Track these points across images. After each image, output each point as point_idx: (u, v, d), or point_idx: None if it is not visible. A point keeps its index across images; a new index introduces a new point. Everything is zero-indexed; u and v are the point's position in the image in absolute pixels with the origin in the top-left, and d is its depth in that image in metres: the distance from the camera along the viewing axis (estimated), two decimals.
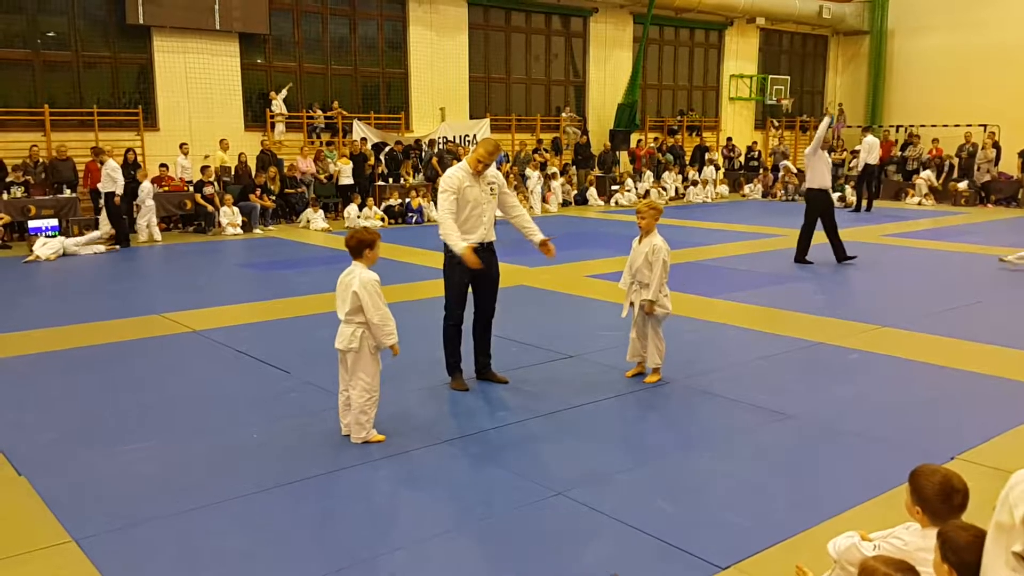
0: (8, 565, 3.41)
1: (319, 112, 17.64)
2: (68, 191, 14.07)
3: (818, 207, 10.87)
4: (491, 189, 5.59)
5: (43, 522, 3.77)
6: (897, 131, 23.98)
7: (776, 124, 25.57)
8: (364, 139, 17.48)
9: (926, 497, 2.62)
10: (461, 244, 5.33)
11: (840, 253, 10.96)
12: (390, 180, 17.23)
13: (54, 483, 4.19)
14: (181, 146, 15.39)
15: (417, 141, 18.36)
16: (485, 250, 5.56)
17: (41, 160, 14.29)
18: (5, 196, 13.46)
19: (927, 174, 20.57)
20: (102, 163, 12.92)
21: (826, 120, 10.74)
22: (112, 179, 12.79)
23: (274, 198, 15.56)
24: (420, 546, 3.57)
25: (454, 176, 5.51)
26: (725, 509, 3.89)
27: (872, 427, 4.97)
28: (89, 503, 3.98)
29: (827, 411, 5.24)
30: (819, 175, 10.81)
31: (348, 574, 3.33)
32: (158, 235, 13.76)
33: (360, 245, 4.69)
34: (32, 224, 13.32)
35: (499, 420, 5.10)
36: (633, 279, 5.80)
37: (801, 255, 11.04)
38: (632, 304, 5.83)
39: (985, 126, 21.57)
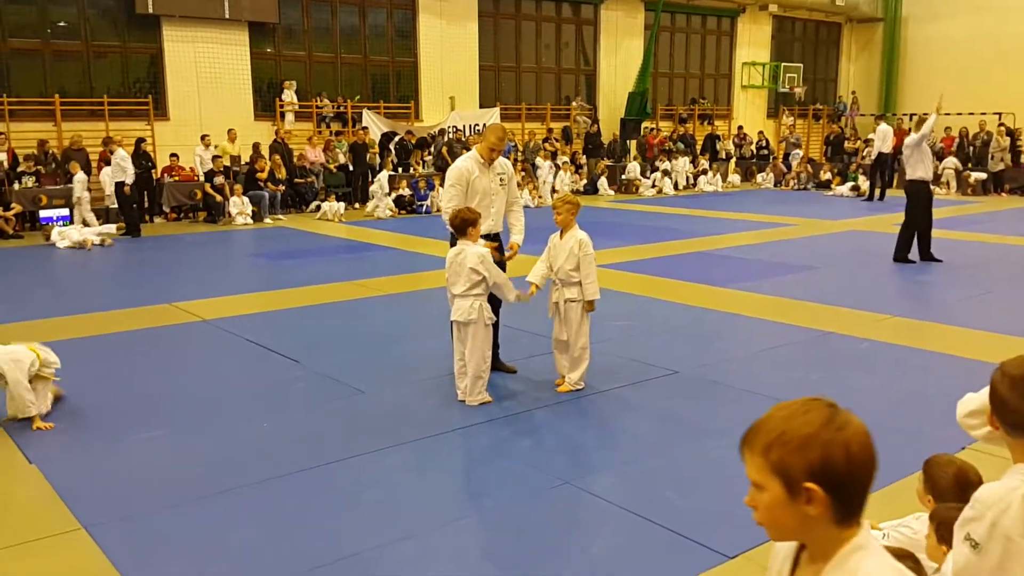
0: (19, 552, 3.44)
1: (327, 101, 17.63)
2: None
3: (920, 200, 10.08)
4: (500, 180, 5.53)
5: (53, 510, 3.79)
6: (911, 119, 23.73)
7: (788, 112, 25.39)
8: (365, 128, 17.45)
9: (940, 488, 2.60)
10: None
11: (925, 249, 10.16)
12: (399, 170, 17.21)
13: (65, 471, 4.21)
14: (203, 138, 15.36)
15: (431, 135, 18.31)
16: (492, 240, 5.54)
17: (52, 151, 14.35)
18: (16, 186, 13.53)
19: (952, 161, 20.29)
20: (112, 152, 12.95)
21: (933, 117, 9.94)
22: (122, 168, 12.82)
23: (282, 186, 15.58)
24: (428, 535, 3.58)
25: (463, 168, 5.44)
26: (734, 499, 3.85)
27: (882, 416, 4.93)
28: (100, 491, 4.00)
29: (838, 400, 5.19)
30: (921, 166, 10.01)
31: (355, 563, 3.34)
32: (95, 229, 12.51)
33: (464, 224, 5.03)
34: (43, 214, 13.39)
35: (507, 409, 5.09)
36: (555, 277, 5.39)
37: (902, 253, 10.09)
38: (556, 304, 5.42)
39: (1000, 114, 21.35)
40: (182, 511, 3.80)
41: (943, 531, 2.35)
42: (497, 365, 5.79)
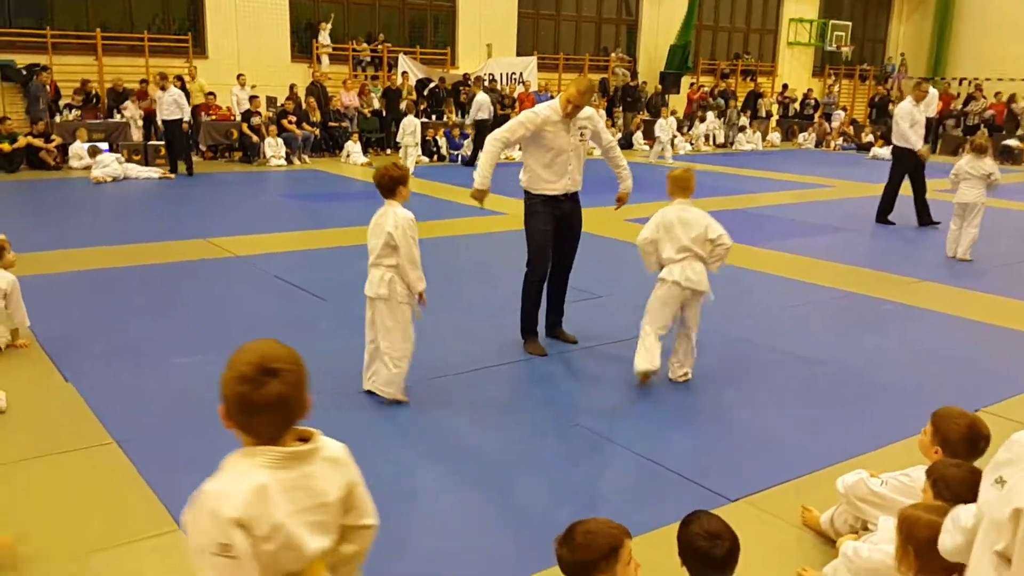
0: (53, 461, 3.63)
1: (364, 45, 17.54)
2: (119, 115, 14.31)
3: (904, 166, 10.28)
4: (581, 135, 5.04)
5: (87, 425, 3.98)
6: (960, 84, 23.06)
7: (833, 72, 24.74)
8: (404, 73, 17.31)
9: (950, 439, 2.59)
10: (480, 179, 4.99)
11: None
12: (432, 117, 17.15)
13: (100, 390, 4.40)
14: (238, 77, 15.38)
15: (466, 76, 18.09)
16: (568, 199, 5.14)
17: (95, 91, 14.45)
18: (58, 118, 13.74)
19: None
20: (164, 89, 12.84)
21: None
22: (179, 105, 12.73)
23: (317, 128, 15.61)
24: (440, 464, 3.71)
25: (539, 112, 4.98)
26: (742, 446, 3.94)
27: (898, 377, 4.96)
28: (133, 410, 4.18)
29: (856, 359, 5.23)
30: (912, 134, 10.08)
31: (372, 487, 3.47)
32: (141, 169, 12.83)
33: (392, 183, 4.33)
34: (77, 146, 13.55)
35: (524, 355, 5.17)
36: (687, 251, 4.72)
37: (884, 215, 10.40)
38: (693, 291, 4.71)
39: None
40: (212, 433, 3.90)
41: (940, 487, 2.32)
42: (558, 334, 5.44)
